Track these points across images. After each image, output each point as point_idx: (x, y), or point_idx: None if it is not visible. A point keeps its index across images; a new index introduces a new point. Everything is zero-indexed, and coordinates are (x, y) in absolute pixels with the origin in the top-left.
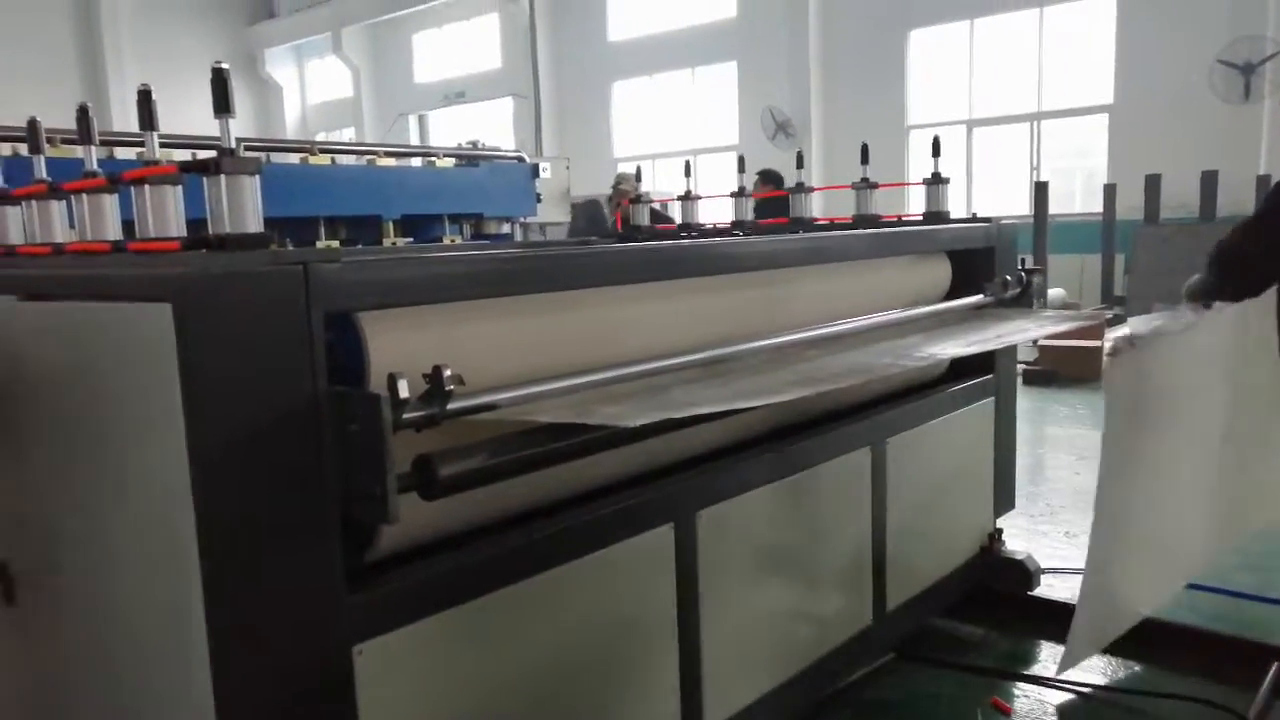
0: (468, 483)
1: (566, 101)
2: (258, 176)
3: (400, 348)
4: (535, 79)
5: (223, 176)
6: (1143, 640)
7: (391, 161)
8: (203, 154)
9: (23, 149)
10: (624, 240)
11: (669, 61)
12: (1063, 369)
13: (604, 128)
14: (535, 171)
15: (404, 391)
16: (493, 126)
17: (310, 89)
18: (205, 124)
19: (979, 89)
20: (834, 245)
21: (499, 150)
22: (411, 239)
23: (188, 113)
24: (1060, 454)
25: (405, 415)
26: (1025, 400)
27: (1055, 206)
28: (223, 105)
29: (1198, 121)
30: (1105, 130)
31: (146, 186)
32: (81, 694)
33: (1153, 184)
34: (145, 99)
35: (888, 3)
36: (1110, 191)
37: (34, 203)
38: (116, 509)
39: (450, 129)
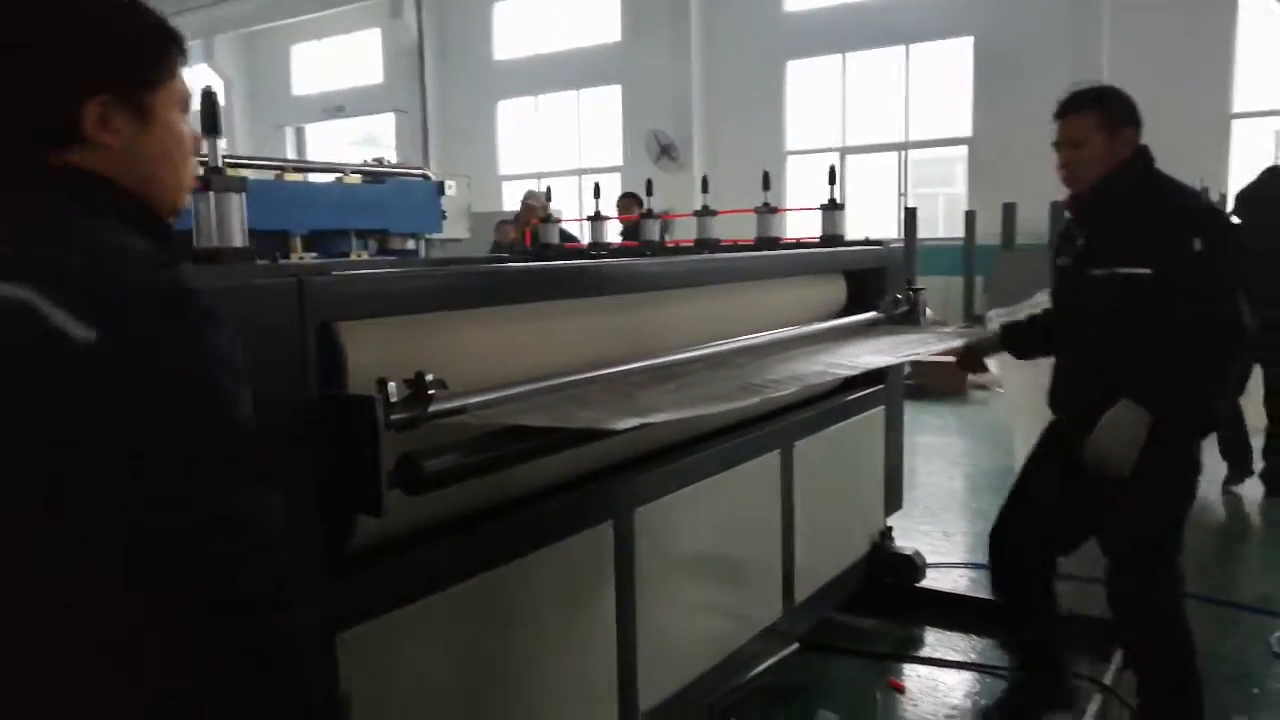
0: (449, 479)
1: (450, 119)
2: (244, 194)
3: (369, 355)
4: (422, 96)
5: (212, 194)
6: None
7: (299, 176)
8: None
9: None
10: (535, 258)
11: (554, 83)
12: (932, 384)
13: (489, 146)
14: (441, 189)
15: (394, 395)
16: (374, 142)
17: None
18: None
19: (851, 119)
20: (748, 265)
21: (404, 167)
22: (316, 254)
23: None
24: (934, 461)
25: (393, 417)
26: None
27: (921, 231)
28: (211, 126)
29: (1045, 155)
30: (965, 161)
31: None
32: None
33: (1009, 212)
34: None
35: (766, 34)
36: (970, 218)
37: None
38: None
39: (329, 143)
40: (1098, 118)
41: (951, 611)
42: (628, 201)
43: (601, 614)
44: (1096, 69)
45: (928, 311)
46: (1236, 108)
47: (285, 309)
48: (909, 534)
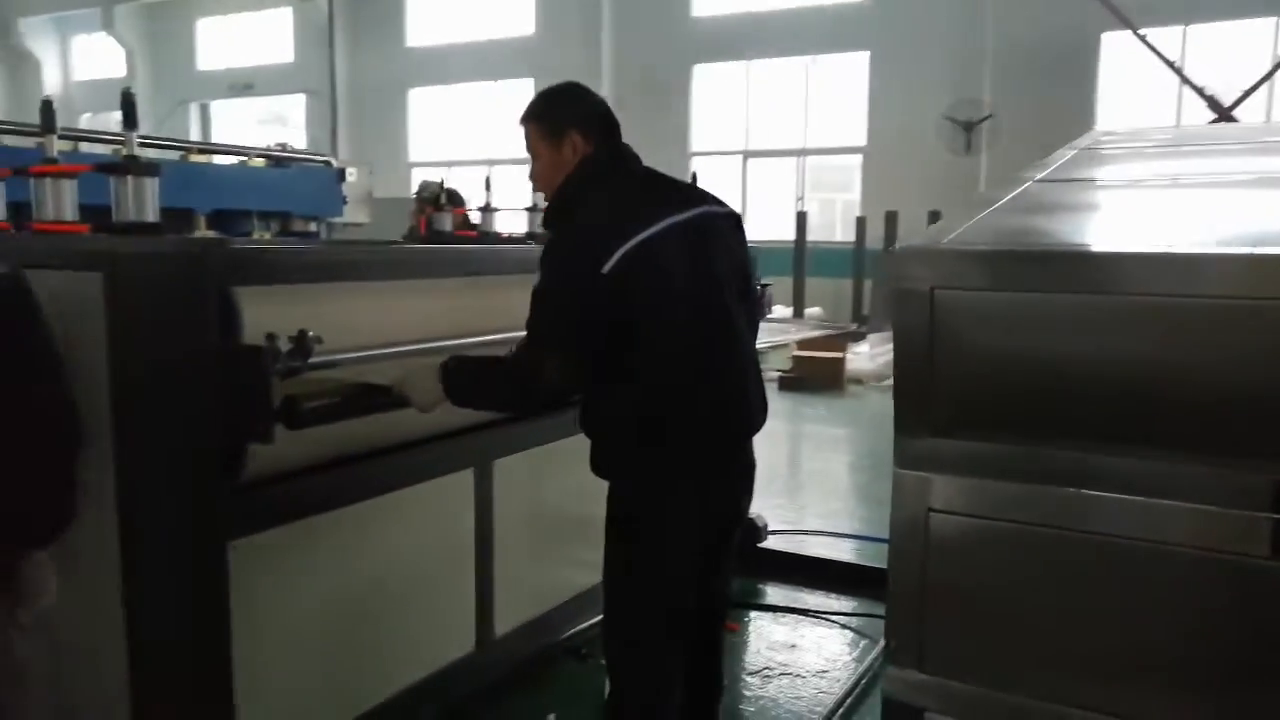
0: (323, 417)
1: (362, 103)
2: (158, 178)
3: (261, 315)
4: (332, 78)
5: (129, 177)
6: (829, 577)
7: (203, 157)
8: None
9: None
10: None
11: (467, 73)
12: (811, 377)
13: (400, 132)
14: (342, 175)
15: (283, 347)
16: (283, 121)
17: (76, 65)
18: None
19: (754, 124)
20: None
21: (306, 153)
22: (217, 233)
23: None
24: (804, 446)
25: (278, 365)
26: (781, 403)
27: (819, 235)
28: (131, 121)
29: (931, 166)
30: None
31: (47, 179)
32: None
33: (890, 219)
34: (47, 107)
35: (674, 36)
36: (861, 223)
37: None
38: None
39: (237, 121)
40: (537, 128)
41: (790, 568)
42: None
43: (462, 547)
44: (979, 89)
45: (808, 311)
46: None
47: (191, 274)
48: (767, 508)
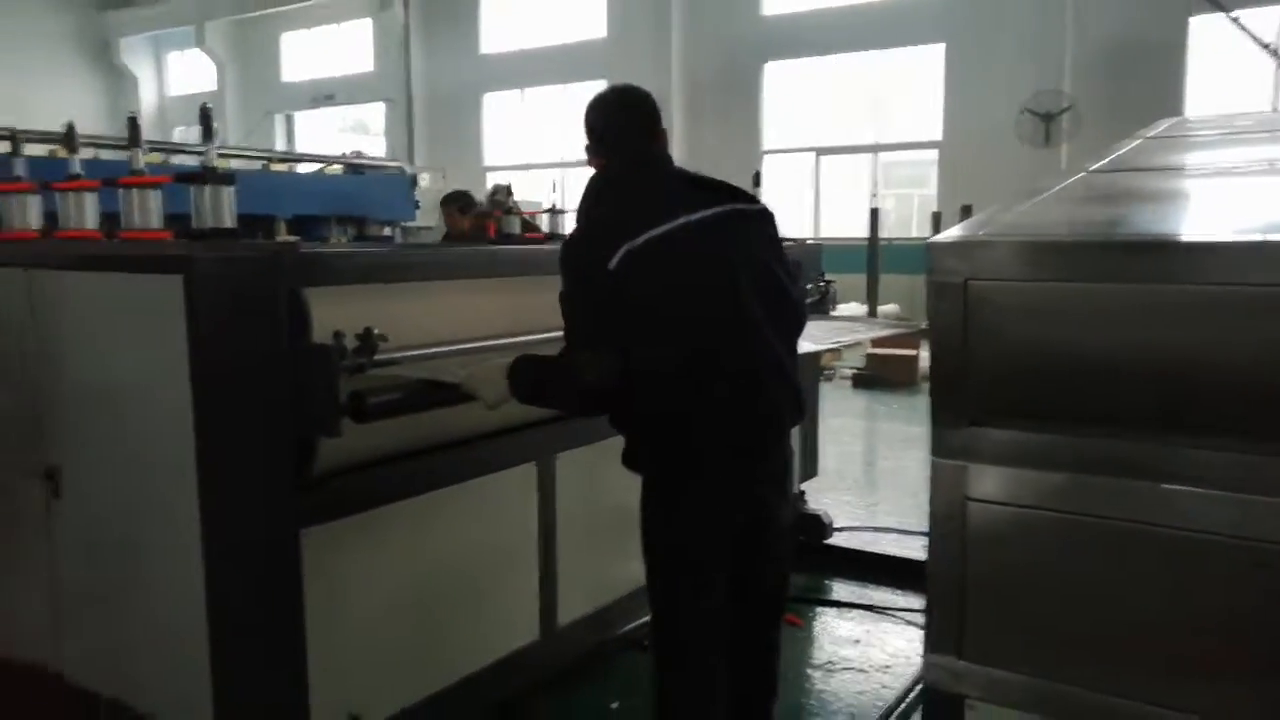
0: (388, 411)
1: (438, 110)
2: (234, 187)
3: (329, 314)
4: (408, 86)
5: (207, 187)
6: (896, 573)
7: (283, 167)
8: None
9: None
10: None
11: (540, 77)
12: (885, 374)
13: (475, 137)
14: (415, 181)
15: (349, 345)
16: (364, 129)
17: (170, 81)
18: (48, 107)
19: (827, 120)
20: None
21: (381, 160)
22: (298, 238)
23: (32, 96)
24: (877, 444)
25: (345, 362)
26: (856, 400)
27: (896, 230)
28: (208, 134)
29: (1009, 160)
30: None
31: (134, 190)
32: (105, 572)
33: (965, 214)
34: (133, 123)
35: (747, 33)
36: (936, 219)
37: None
38: (135, 425)
39: (319, 130)
40: (586, 133)
41: (857, 564)
42: None
43: (526, 539)
44: (1060, 80)
45: (882, 309)
46: None
47: (264, 276)
48: (837, 505)
